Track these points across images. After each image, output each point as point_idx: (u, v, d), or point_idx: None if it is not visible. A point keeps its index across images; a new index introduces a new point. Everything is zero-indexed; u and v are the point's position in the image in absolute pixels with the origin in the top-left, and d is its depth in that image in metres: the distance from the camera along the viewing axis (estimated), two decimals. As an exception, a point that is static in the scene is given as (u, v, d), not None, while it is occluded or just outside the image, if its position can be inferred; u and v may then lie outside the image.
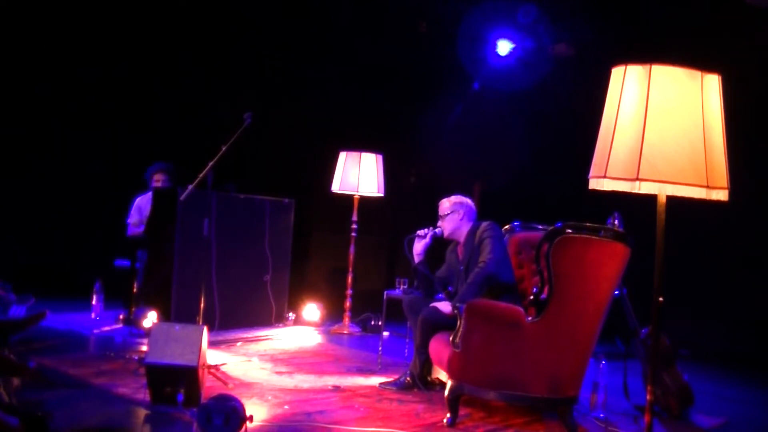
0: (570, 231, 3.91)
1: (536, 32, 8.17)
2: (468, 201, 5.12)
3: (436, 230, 5.11)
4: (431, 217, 5.23)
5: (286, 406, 4.31)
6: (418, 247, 5.12)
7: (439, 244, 5.19)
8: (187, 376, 4.01)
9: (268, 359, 5.62)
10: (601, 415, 4.50)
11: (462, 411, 4.26)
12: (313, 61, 8.74)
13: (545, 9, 7.94)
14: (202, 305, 5.21)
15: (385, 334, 6.20)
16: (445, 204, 5.10)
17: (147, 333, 5.17)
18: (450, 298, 4.90)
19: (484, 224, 4.89)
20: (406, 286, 5.43)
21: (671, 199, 2.68)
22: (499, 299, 4.55)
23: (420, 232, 5.15)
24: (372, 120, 8.79)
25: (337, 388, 4.84)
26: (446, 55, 8.40)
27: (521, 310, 4.10)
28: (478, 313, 4.11)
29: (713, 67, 2.65)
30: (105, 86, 8.32)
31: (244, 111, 5.39)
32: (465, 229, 5.01)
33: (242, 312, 6.72)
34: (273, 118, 7.77)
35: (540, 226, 4.98)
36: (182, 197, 5.53)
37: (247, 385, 4.72)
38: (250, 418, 3.64)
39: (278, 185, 7.48)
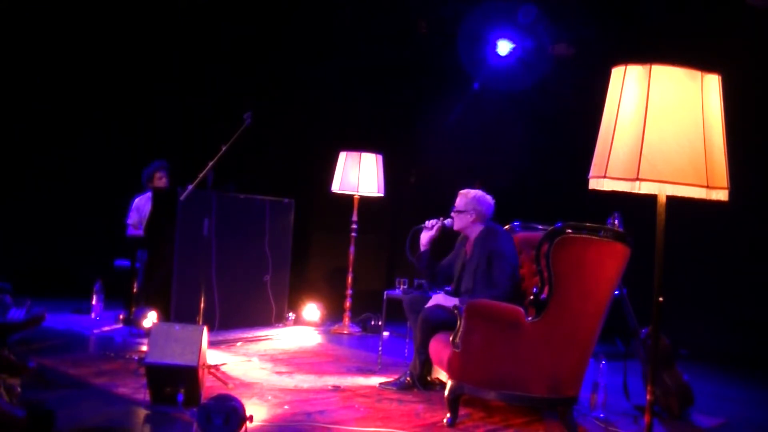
0: (570, 231, 3.91)
1: (536, 32, 8.17)
2: (486, 201, 4.95)
3: (446, 221, 5.04)
4: (431, 217, 5.20)
5: (286, 406, 4.31)
6: (424, 237, 5.08)
7: (445, 237, 5.13)
8: (187, 376, 4.02)
9: (268, 359, 5.62)
10: (601, 415, 4.50)
11: (462, 411, 4.26)
12: (313, 61, 8.74)
13: (545, 9, 7.94)
14: (202, 305, 5.22)
15: (385, 334, 6.20)
16: (462, 200, 4.96)
17: (147, 333, 5.17)
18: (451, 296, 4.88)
19: (494, 235, 4.80)
20: (406, 286, 5.40)
21: (671, 199, 2.68)
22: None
23: (428, 223, 5.08)
24: (372, 120, 8.79)
25: (337, 388, 4.83)
26: (446, 55, 8.39)
27: (521, 310, 4.10)
28: (478, 313, 4.11)
29: (713, 67, 2.65)
30: (104, 86, 8.32)
31: (244, 111, 5.39)
32: (475, 229, 4.93)
33: (242, 312, 6.72)
34: (273, 118, 7.76)
35: (540, 226, 4.96)
36: (182, 197, 5.54)
37: (247, 385, 4.72)
38: (250, 418, 3.64)
39: (278, 185, 7.47)
